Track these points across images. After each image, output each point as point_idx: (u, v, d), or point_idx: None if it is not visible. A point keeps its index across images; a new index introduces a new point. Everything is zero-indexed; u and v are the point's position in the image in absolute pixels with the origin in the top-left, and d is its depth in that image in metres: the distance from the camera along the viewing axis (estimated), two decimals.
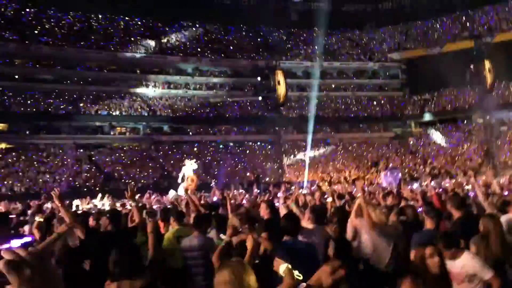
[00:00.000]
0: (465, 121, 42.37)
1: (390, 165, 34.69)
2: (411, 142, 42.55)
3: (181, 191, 18.90)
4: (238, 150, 38.34)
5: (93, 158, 32.46)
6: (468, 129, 40.14)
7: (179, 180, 21.21)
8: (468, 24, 45.69)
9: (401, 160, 37.89)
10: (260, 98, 42.28)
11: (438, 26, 48.49)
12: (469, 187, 12.11)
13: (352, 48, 49.59)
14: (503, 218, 4.88)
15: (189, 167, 21.53)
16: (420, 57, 45.67)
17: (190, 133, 39.26)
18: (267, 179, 31.96)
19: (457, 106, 42.95)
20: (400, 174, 23.11)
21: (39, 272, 1.06)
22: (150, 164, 33.12)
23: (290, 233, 4.27)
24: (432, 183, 18.07)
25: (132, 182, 28.84)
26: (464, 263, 3.58)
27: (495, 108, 35.79)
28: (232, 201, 10.62)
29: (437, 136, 39.09)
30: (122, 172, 30.93)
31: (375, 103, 45.76)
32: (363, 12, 51.84)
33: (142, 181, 30.01)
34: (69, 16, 40.43)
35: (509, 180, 14.29)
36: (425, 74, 42.19)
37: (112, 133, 36.62)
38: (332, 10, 49.15)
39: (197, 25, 46.45)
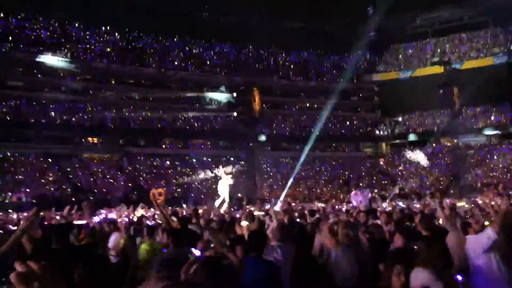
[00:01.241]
0: (434, 144, 43.56)
1: (361, 184, 35.23)
2: (382, 163, 43.41)
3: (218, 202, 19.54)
4: (212, 165, 38.18)
5: (62, 169, 31.73)
6: (436, 152, 41.26)
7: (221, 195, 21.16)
8: (438, 50, 47.34)
9: (371, 180, 38.56)
10: (235, 113, 42.45)
11: (410, 51, 50.08)
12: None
13: (327, 68, 50.51)
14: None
15: (225, 182, 21.46)
16: (392, 80, 47.00)
17: (163, 146, 38.96)
18: (239, 195, 31.88)
19: (426, 129, 44.18)
20: (370, 194, 23.46)
21: (48, 285, 1.09)
22: (120, 177, 32.61)
23: (255, 250, 4.30)
24: (401, 203, 18.49)
25: (102, 195, 28.45)
26: (415, 276, 3.65)
27: (462, 132, 36.97)
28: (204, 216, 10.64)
29: (419, 156, 39.62)
30: (92, 184, 30.33)
31: (348, 123, 46.59)
32: (338, 34, 52.93)
33: (113, 193, 29.50)
34: (44, 23, 39.81)
35: (474, 203, 14.73)
36: (396, 96, 43.39)
37: (83, 143, 35.96)
38: (308, 30, 50.22)
39: (175, 39, 46.52)
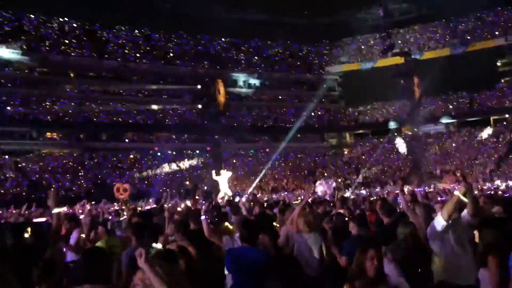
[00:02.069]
0: (396, 134, 44.62)
1: (325, 174, 35.71)
2: (346, 152, 44.14)
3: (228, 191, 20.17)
4: (176, 158, 37.75)
5: (19, 165, 30.54)
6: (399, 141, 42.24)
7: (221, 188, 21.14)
8: (399, 41, 48.33)
9: (335, 170, 39.14)
10: (199, 106, 42.01)
11: (371, 43, 50.89)
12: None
13: (291, 60, 50.72)
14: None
15: (225, 176, 21.54)
16: (355, 71, 47.73)
17: (126, 140, 38.15)
18: (206, 188, 31.69)
19: (388, 119, 45.15)
20: (334, 183, 23.79)
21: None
22: (81, 172, 31.72)
23: (247, 241, 4.24)
24: (364, 191, 18.83)
25: (62, 191, 27.59)
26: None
27: (422, 121, 37.99)
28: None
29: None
30: (51, 180, 29.34)
31: (312, 114, 46.99)
32: (301, 26, 53.25)
33: (74, 189, 28.68)
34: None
35: (435, 189, 15.16)
36: (359, 87, 44.10)
37: (41, 138, 34.72)
38: (272, 21, 50.27)
39: (137, 31, 45.50)
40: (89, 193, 27.45)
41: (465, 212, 4.52)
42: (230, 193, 20.25)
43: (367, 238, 4.53)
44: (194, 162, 33.32)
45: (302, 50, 52.87)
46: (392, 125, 43.42)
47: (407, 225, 4.59)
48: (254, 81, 46.63)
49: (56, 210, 5.23)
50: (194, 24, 45.88)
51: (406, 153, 39.33)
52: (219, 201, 15.87)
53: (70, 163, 32.85)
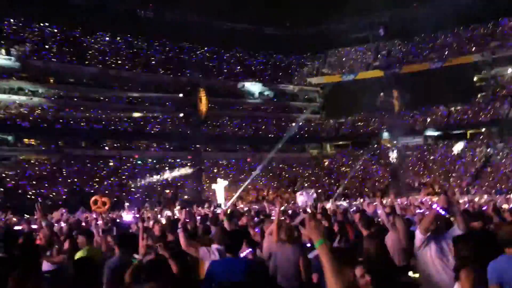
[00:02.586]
0: (375, 145, 45.21)
1: (306, 185, 35.88)
2: (326, 163, 44.47)
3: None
4: (157, 167, 37.43)
5: None
6: (378, 153, 42.81)
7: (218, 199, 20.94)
8: (379, 55, 49.19)
9: (316, 180, 39.37)
10: (181, 115, 41.86)
11: (352, 56, 51.68)
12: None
13: (273, 70, 51.08)
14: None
15: (221, 185, 21.36)
16: (336, 83, 48.32)
17: (106, 148, 37.68)
18: (186, 197, 31.49)
19: (368, 131, 45.74)
20: (315, 194, 23.94)
21: None
22: (59, 179, 31.16)
23: (231, 251, 4.24)
24: (344, 203, 18.98)
25: (39, 199, 27.02)
26: None
27: (401, 134, 38.61)
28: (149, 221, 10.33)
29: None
30: (28, 187, 28.74)
31: (293, 124, 47.23)
32: (284, 37, 53.78)
33: (51, 196, 28.13)
34: None
35: (410, 202, 15.38)
36: (340, 99, 44.66)
37: (18, 145, 34.03)
38: (255, 32, 50.69)
39: (119, 38, 45.24)
40: (67, 201, 26.98)
41: (455, 227, 4.55)
42: (223, 203, 20.18)
43: (346, 254, 4.55)
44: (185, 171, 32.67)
45: (284, 61, 53.33)
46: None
47: (372, 240, 4.63)
48: (235, 90, 46.74)
49: (45, 223, 5.19)
50: (177, 33, 45.89)
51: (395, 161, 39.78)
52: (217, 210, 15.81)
53: (48, 170, 32.24)
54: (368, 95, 39.79)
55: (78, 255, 5.17)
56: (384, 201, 15.01)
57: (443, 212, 4.52)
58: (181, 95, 42.18)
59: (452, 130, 42.48)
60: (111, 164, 35.82)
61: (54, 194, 28.90)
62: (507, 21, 45.33)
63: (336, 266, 2.43)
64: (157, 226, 7.39)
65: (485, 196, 21.19)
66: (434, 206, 4.56)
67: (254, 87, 47.66)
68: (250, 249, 5.19)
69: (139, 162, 37.69)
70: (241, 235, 4.74)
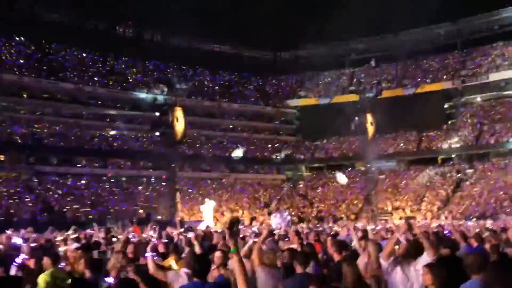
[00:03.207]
0: (350, 169, 45.76)
1: (280, 207, 35.88)
2: (301, 185, 44.68)
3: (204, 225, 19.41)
4: (130, 186, 36.91)
5: None
6: (351, 176, 43.30)
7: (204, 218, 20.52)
8: (354, 79, 50.26)
9: (291, 202, 39.45)
10: (157, 133, 41.56)
11: (329, 79, 52.65)
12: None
13: (250, 91, 51.51)
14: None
15: (209, 205, 20.95)
16: (313, 106, 49.00)
17: (79, 165, 36.96)
18: (159, 217, 31.05)
19: (343, 154, 46.32)
20: (289, 216, 23.94)
21: None
22: (28, 197, 30.31)
23: (199, 275, 4.16)
24: (318, 226, 19.05)
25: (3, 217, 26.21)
26: None
27: (374, 157, 39.17)
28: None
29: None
30: None
31: (269, 146, 47.49)
32: (263, 59, 54.50)
33: (17, 214, 27.26)
34: None
35: (383, 226, 15.58)
36: (316, 122, 45.21)
37: None
38: (234, 54, 51.24)
39: (96, 54, 44.98)
40: (35, 219, 26.25)
41: (424, 254, 4.64)
42: (212, 225, 19.92)
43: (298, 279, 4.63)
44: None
45: (262, 83, 53.93)
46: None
47: (351, 264, 4.70)
48: (213, 111, 46.85)
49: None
50: (155, 52, 46.00)
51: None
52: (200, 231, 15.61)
53: (17, 187, 31.35)
54: (343, 119, 40.40)
55: (41, 277, 5.04)
56: (357, 225, 15.20)
57: (401, 239, 4.67)
58: (157, 113, 41.88)
59: (423, 155, 43.44)
60: (83, 181, 35.13)
61: (22, 212, 28.03)
62: (477, 50, 47.23)
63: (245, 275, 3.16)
64: (130, 247, 7.29)
65: (455, 222, 21.58)
66: (396, 233, 4.73)
67: (231, 107, 47.86)
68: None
69: (112, 180, 37.10)
70: (208, 259, 4.69)
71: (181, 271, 4.80)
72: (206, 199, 22.92)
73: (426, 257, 4.57)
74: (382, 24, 47.39)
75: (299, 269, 5.03)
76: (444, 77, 46.19)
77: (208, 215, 21.34)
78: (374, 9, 46.81)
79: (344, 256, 5.97)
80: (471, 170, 39.85)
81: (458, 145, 41.63)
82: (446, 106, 46.69)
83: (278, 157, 45.95)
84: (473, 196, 35.10)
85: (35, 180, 33.07)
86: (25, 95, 37.09)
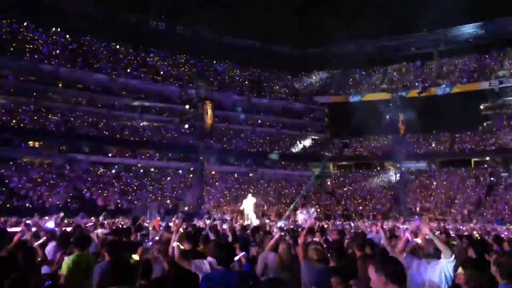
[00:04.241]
0: (378, 168, 45.10)
1: (307, 203, 35.68)
2: (328, 183, 44.32)
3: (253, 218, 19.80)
4: (158, 177, 37.47)
5: None
6: (381, 175, 42.65)
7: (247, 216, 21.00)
8: (386, 78, 49.43)
9: (317, 199, 39.20)
10: (186, 126, 41.96)
11: (360, 76, 51.95)
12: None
13: (280, 87, 51.36)
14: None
15: (250, 201, 21.41)
16: (342, 103, 48.43)
17: (110, 155, 37.76)
18: (186, 208, 31.40)
19: (372, 153, 45.68)
20: (315, 213, 23.81)
21: None
22: (61, 184, 31.16)
23: (223, 263, 4.24)
24: (345, 223, 18.87)
25: (40, 201, 27.06)
26: None
27: (404, 157, 38.52)
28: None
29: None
30: (30, 190, 28.75)
31: (298, 142, 47.29)
32: (293, 55, 54.24)
33: (50, 200, 28.09)
34: None
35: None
36: (345, 119, 44.65)
37: (22, 146, 34.18)
38: (264, 49, 51.18)
39: (129, 46, 45.77)
40: (67, 205, 26.99)
41: (442, 258, 4.57)
42: (255, 219, 20.11)
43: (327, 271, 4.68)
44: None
45: (292, 79, 53.69)
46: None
47: (365, 261, 4.67)
48: (242, 105, 46.92)
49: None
50: (187, 45, 46.39)
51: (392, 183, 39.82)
52: (245, 224, 15.74)
53: (50, 174, 32.29)
54: (373, 117, 39.82)
55: (64, 261, 5.13)
56: (385, 224, 14.95)
57: (409, 237, 4.73)
58: (187, 106, 42.29)
59: (456, 156, 42.37)
60: (113, 171, 35.88)
61: (54, 198, 28.86)
62: None
63: None
64: (166, 234, 7.54)
65: (486, 226, 21.01)
66: (407, 234, 4.81)
67: (260, 103, 47.82)
68: (244, 253, 5.64)
69: (142, 170, 37.77)
70: (233, 248, 4.78)
71: (206, 260, 4.83)
72: (249, 195, 23.12)
73: (443, 259, 4.53)
74: (415, 21, 46.40)
75: (332, 263, 5.12)
76: (480, 77, 44.83)
77: (250, 211, 21.51)
78: (406, 6, 45.94)
79: (367, 254, 5.89)
80: (505, 174, 38.63)
81: (493, 148, 40.39)
82: (481, 107, 45.34)
83: (303, 144, 45.60)
84: (506, 200, 34.02)
85: (67, 167, 33.96)
86: (60, 84, 38.10)
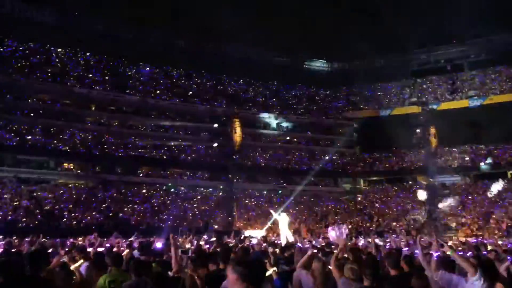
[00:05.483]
0: (410, 182, 44.14)
1: (338, 219, 35.20)
2: (359, 199, 43.63)
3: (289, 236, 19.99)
4: (189, 195, 37.77)
5: (34, 194, 30.81)
6: (413, 190, 41.70)
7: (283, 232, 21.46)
8: (415, 91, 48.72)
9: (349, 216, 38.58)
10: (215, 144, 42.35)
11: (389, 90, 51.37)
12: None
13: (308, 103, 51.26)
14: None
15: (284, 219, 21.85)
16: (372, 118, 47.87)
17: (141, 175, 38.39)
18: (216, 226, 31.47)
19: (403, 167, 44.79)
20: (346, 230, 23.39)
21: None
22: (95, 204, 31.83)
23: (253, 283, 4.14)
24: (377, 240, 18.45)
25: (74, 222, 27.67)
26: None
27: (437, 171, 37.61)
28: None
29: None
30: (65, 210, 29.47)
31: (327, 158, 46.87)
32: (319, 71, 54.26)
33: (84, 221, 28.69)
34: (26, 46, 39.80)
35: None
36: (375, 134, 44.11)
37: (58, 169, 35.21)
38: (291, 65, 51.40)
39: (158, 68, 46.90)
40: (101, 225, 27.48)
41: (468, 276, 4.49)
42: (291, 237, 20.15)
43: None
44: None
45: (319, 94, 53.56)
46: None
47: (421, 277, 4.55)
48: (271, 122, 47.04)
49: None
50: (214, 64, 47.10)
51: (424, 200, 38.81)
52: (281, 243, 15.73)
53: (84, 195, 33.04)
54: (403, 131, 39.20)
55: (102, 277, 5.28)
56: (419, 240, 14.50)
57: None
58: (215, 125, 42.76)
59: (491, 169, 41.04)
60: (144, 190, 36.40)
61: (89, 218, 29.47)
62: None
63: None
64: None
65: None
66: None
67: (288, 119, 47.81)
68: (274, 268, 5.67)
69: (172, 190, 38.19)
70: (263, 267, 4.74)
71: None
72: (283, 213, 23.14)
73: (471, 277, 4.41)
74: (444, 33, 45.82)
75: (366, 282, 4.99)
76: None
77: (285, 229, 21.49)
78: (435, 18, 45.42)
79: (406, 272, 5.74)
80: None
81: None
82: None
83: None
84: None
85: (100, 188, 34.68)
86: (93, 107, 39.28)
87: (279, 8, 51.60)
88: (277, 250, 10.05)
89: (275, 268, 5.77)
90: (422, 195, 38.45)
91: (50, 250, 11.01)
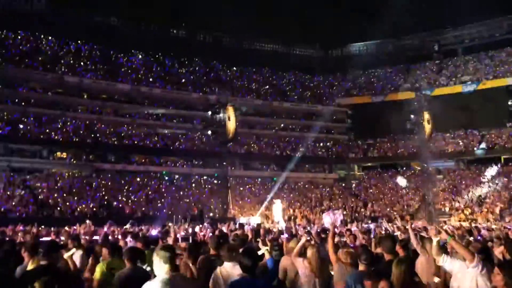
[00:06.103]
0: (404, 168, 44.34)
1: (332, 206, 35.37)
2: (354, 185, 43.81)
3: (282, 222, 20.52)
4: (183, 183, 37.71)
5: (28, 183, 30.62)
6: (407, 176, 41.93)
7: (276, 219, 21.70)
8: (409, 77, 48.67)
9: (343, 202, 38.77)
10: (209, 132, 42.15)
11: (382, 76, 51.28)
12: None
13: (302, 90, 51.11)
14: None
15: (278, 206, 22.11)
16: (365, 104, 47.86)
17: (135, 163, 38.24)
18: (211, 214, 31.49)
19: (398, 153, 44.95)
20: (341, 216, 23.50)
21: None
22: (89, 193, 31.70)
23: (248, 271, 4.08)
24: (372, 225, 18.54)
25: (69, 211, 27.56)
26: None
27: (432, 157, 37.73)
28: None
29: (401, 181, 40.44)
30: (58, 199, 29.33)
31: (321, 145, 46.95)
32: (314, 57, 54.01)
33: (79, 209, 28.58)
34: (16, 35, 39.26)
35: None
36: (369, 120, 44.12)
37: (51, 158, 34.96)
38: (284, 52, 51.09)
39: (151, 56, 46.44)
40: (95, 214, 27.40)
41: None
42: (283, 223, 20.33)
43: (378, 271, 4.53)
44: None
45: (313, 81, 53.39)
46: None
47: (402, 262, 4.47)
48: (264, 110, 46.87)
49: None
50: (207, 52, 46.76)
51: (406, 187, 39.37)
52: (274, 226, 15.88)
53: (78, 183, 32.89)
54: (397, 117, 39.22)
55: (98, 266, 5.25)
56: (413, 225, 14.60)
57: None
58: (209, 113, 42.46)
59: (484, 154, 41.27)
60: (138, 179, 36.29)
61: (83, 207, 29.36)
62: None
63: None
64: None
65: None
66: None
67: (282, 106, 47.67)
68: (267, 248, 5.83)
69: (166, 178, 38.09)
70: (257, 255, 4.70)
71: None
72: (278, 200, 23.38)
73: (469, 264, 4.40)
74: (437, 19, 45.72)
75: (362, 267, 4.97)
76: (508, 72, 43.62)
77: (279, 215, 21.71)
78: (427, 4, 45.24)
79: (400, 257, 5.72)
80: None
81: None
82: (510, 103, 44.08)
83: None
84: None
85: (94, 177, 34.54)
86: (85, 96, 38.93)
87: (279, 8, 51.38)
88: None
89: (267, 248, 5.75)
90: (402, 181, 38.85)
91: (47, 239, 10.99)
